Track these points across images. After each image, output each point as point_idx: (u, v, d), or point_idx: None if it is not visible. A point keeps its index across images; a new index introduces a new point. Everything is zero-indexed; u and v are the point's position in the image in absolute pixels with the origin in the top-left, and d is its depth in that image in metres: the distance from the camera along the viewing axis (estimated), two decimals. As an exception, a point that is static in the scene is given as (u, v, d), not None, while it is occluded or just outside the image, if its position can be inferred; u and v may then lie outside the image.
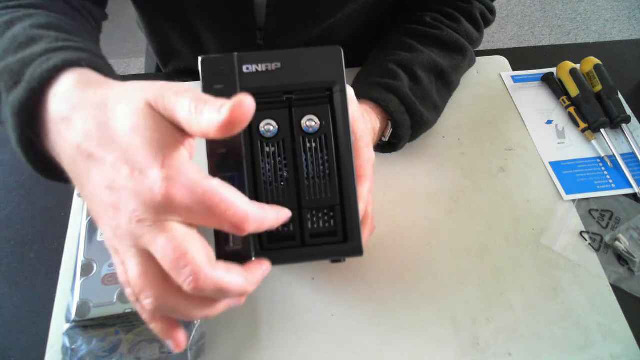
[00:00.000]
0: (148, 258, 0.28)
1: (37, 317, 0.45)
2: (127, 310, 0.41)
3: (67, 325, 0.41)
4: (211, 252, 0.29)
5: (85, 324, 0.41)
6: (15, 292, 0.47)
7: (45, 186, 0.54)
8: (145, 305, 0.28)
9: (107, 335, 0.41)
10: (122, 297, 0.41)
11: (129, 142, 0.27)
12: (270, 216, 0.31)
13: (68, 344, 0.41)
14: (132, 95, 0.29)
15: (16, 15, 0.39)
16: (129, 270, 0.28)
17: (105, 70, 0.34)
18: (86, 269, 0.43)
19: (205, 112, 0.26)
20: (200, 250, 0.28)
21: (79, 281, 0.42)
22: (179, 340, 0.31)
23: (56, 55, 0.33)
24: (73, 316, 0.41)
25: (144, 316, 0.31)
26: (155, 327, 0.31)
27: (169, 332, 0.31)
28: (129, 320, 0.42)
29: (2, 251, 0.49)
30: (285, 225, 0.34)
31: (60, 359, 0.41)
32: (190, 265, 0.27)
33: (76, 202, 0.52)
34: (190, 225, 0.28)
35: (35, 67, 0.32)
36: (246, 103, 0.26)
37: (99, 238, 0.45)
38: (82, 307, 0.41)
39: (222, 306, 0.31)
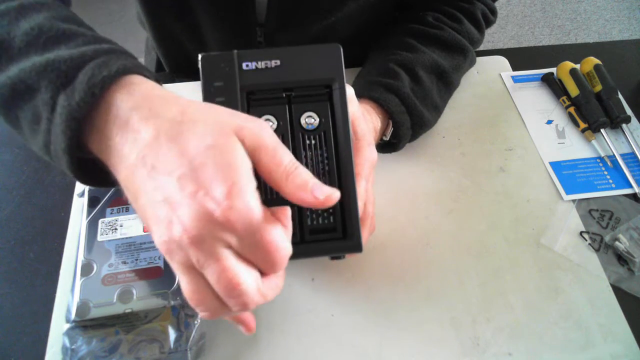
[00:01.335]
0: (197, 276, 0.28)
1: (37, 317, 0.45)
2: (127, 310, 0.41)
3: (67, 325, 0.41)
4: (258, 276, 0.29)
5: (85, 324, 0.41)
6: (15, 292, 0.47)
7: (45, 186, 0.54)
8: (202, 316, 0.30)
9: (107, 335, 0.41)
10: (122, 297, 0.41)
11: (202, 162, 0.27)
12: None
13: (68, 344, 0.41)
14: (216, 118, 0.29)
15: (27, 0, 0.36)
16: (181, 284, 0.29)
17: (157, 77, 0.34)
18: (86, 269, 0.43)
19: (296, 180, 0.29)
20: (252, 281, 0.29)
21: (79, 281, 0.42)
22: (249, 326, 0.34)
23: (111, 59, 0.32)
24: (73, 316, 0.41)
25: None
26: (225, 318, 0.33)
27: (238, 320, 0.34)
28: (129, 320, 0.42)
29: (2, 251, 0.49)
30: None
31: (60, 359, 0.41)
32: (242, 296, 0.28)
33: (76, 202, 0.52)
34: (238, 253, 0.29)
35: (92, 71, 0.30)
36: (336, 197, 0.30)
37: (99, 238, 0.45)
38: (82, 307, 0.41)
39: None
